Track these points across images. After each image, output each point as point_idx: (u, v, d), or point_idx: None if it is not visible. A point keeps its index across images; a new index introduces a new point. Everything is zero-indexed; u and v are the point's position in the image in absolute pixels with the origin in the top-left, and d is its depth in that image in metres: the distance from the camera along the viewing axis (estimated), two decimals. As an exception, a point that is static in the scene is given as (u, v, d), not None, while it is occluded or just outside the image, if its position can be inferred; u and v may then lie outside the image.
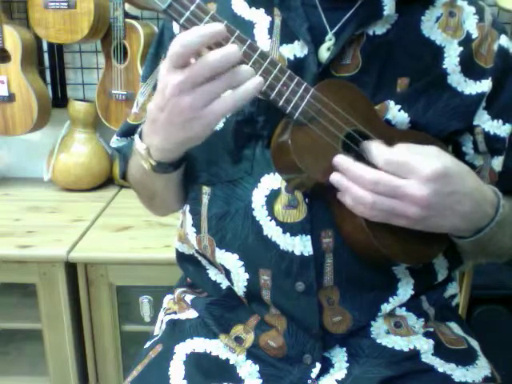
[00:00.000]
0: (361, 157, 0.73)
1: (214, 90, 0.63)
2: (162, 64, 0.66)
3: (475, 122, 0.81)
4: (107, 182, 1.92)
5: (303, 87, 0.71)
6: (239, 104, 0.64)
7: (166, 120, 0.67)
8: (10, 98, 1.74)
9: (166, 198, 0.89)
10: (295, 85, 0.70)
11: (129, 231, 1.56)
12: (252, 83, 0.64)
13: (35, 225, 1.59)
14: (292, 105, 0.71)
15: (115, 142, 0.95)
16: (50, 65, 1.90)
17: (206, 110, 0.64)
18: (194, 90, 0.63)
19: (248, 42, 0.68)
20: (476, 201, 0.72)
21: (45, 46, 1.88)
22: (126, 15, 1.70)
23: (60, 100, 1.91)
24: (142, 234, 1.53)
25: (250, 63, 0.68)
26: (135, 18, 1.77)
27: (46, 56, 1.89)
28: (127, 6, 1.71)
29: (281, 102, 0.70)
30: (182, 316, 0.91)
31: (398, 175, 0.68)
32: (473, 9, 0.81)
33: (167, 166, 0.76)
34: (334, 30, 0.77)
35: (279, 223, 0.78)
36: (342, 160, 0.71)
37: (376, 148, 0.71)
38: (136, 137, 0.77)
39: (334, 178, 0.71)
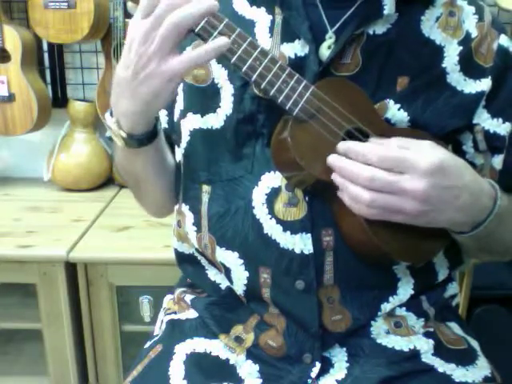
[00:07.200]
0: None
1: (172, 30, 0.66)
2: (131, 19, 0.69)
3: (475, 121, 0.80)
4: (107, 181, 1.92)
5: (303, 84, 0.71)
6: (196, 60, 0.67)
7: (131, 76, 0.69)
8: (10, 98, 1.74)
9: (149, 183, 0.89)
10: (295, 82, 0.71)
11: (129, 231, 1.56)
12: (215, 42, 0.67)
13: (35, 225, 1.59)
14: (291, 101, 0.71)
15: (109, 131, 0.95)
16: (50, 65, 1.89)
17: (166, 63, 0.67)
18: (157, 36, 0.66)
19: (249, 40, 0.69)
20: (473, 193, 0.72)
21: (45, 46, 1.87)
22: (126, 15, 1.69)
23: (60, 100, 1.91)
24: (142, 234, 1.52)
25: (251, 60, 0.69)
26: (135, 17, 1.77)
27: (46, 56, 1.89)
28: (128, 5, 1.71)
29: (280, 99, 0.71)
30: (182, 316, 0.91)
31: (394, 171, 0.68)
32: (472, 8, 0.81)
33: (138, 138, 0.77)
34: (334, 29, 0.78)
35: (279, 221, 0.78)
36: (335, 159, 0.71)
37: (369, 146, 0.70)
38: (107, 114, 0.78)
39: (334, 176, 0.71)
